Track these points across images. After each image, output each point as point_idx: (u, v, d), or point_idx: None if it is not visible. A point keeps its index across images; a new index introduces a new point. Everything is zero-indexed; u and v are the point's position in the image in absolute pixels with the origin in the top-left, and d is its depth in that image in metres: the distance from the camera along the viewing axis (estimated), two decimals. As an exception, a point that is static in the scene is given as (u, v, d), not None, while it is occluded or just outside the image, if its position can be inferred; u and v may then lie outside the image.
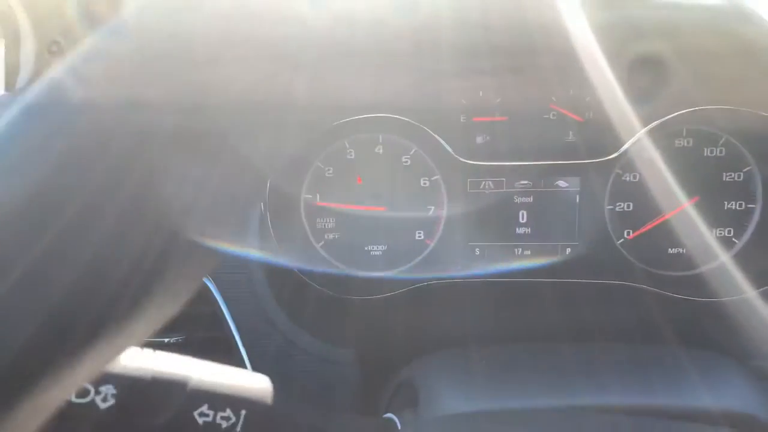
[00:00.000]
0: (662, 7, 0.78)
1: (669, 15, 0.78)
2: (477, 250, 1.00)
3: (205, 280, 0.87)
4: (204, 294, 0.87)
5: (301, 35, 0.64)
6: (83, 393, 0.47)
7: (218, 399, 0.50)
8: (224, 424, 0.49)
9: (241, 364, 0.85)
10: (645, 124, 0.89)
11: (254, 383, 0.54)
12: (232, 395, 0.51)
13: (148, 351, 0.51)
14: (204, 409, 0.49)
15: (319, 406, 0.58)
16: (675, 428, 0.58)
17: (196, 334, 0.87)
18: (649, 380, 0.66)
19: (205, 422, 0.49)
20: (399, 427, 0.59)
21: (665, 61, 0.85)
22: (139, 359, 0.50)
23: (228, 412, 0.50)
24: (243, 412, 0.51)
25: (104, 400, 0.47)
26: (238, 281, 0.87)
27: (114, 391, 0.47)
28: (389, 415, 0.62)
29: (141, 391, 0.49)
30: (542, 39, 0.84)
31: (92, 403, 0.47)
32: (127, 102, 0.40)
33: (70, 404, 0.46)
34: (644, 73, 0.90)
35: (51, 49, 1.39)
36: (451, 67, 1.01)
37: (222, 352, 0.86)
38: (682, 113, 0.87)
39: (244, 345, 0.85)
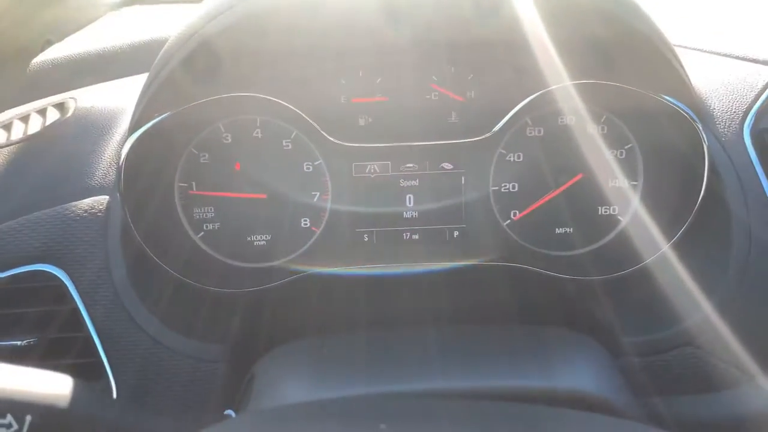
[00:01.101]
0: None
1: None
2: (365, 236, 0.96)
3: (62, 277, 0.80)
4: (61, 292, 0.80)
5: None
6: None
7: None
8: None
9: (100, 365, 0.79)
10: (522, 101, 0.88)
11: (51, 385, 0.49)
12: (15, 400, 0.46)
13: None
14: None
15: (142, 408, 0.53)
16: (526, 411, 0.56)
17: (51, 335, 0.80)
18: (508, 363, 0.64)
19: None
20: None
21: (536, 36, 0.84)
22: None
23: (8, 419, 0.45)
24: (28, 417, 0.45)
25: None
26: (99, 277, 0.81)
27: None
28: (228, 411, 0.58)
29: None
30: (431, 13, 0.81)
31: None
32: None
33: None
34: (521, 51, 0.89)
35: (43, 48, 1.34)
36: (330, 46, 0.96)
37: (80, 353, 0.80)
38: (556, 88, 0.86)
39: (104, 345, 0.79)
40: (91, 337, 0.79)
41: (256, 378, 0.63)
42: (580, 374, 0.62)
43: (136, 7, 1.59)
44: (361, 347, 0.69)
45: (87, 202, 0.84)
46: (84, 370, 0.80)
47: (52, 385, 0.49)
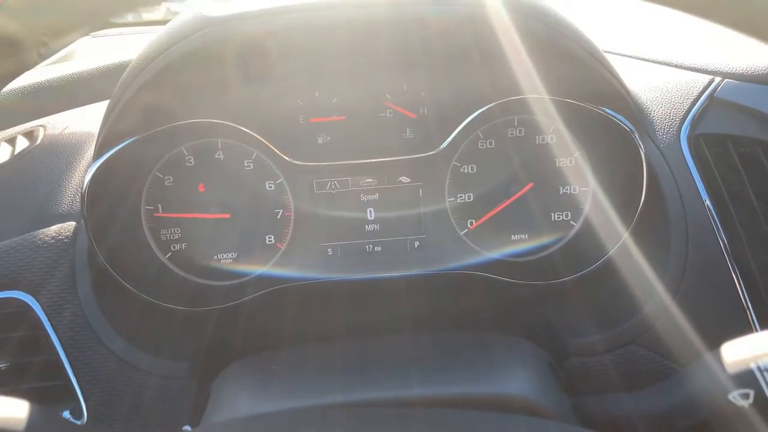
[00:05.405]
0: (475, 4, 0.80)
1: (479, 12, 0.80)
2: (329, 250, 1.00)
3: (30, 303, 0.83)
4: (29, 318, 0.83)
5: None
6: None
7: None
8: None
9: (70, 388, 0.82)
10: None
11: (9, 412, 0.51)
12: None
13: None
14: None
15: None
16: (465, 417, 0.59)
17: (21, 360, 0.83)
18: (451, 370, 0.67)
19: None
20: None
21: (484, 54, 0.88)
22: None
23: None
24: None
25: None
26: (66, 302, 0.83)
27: None
28: (186, 427, 0.60)
29: None
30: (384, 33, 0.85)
31: None
32: None
33: None
34: (466, 66, 0.93)
35: (39, 51, 1.36)
36: (287, 69, 1.00)
37: (49, 377, 0.82)
38: (502, 102, 0.90)
39: (74, 368, 0.82)
40: (60, 360, 0.82)
41: (212, 394, 0.66)
42: (512, 378, 0.65)
43: (108, 32, 1.62)
44: (310, 360, 0.72)
45: (54, 229, 0.86)
46: (55, 393, 0.83)
47: (11, 412, 0.52)
